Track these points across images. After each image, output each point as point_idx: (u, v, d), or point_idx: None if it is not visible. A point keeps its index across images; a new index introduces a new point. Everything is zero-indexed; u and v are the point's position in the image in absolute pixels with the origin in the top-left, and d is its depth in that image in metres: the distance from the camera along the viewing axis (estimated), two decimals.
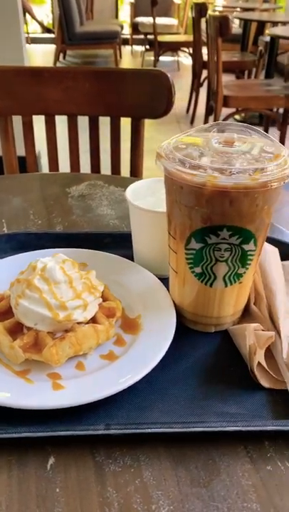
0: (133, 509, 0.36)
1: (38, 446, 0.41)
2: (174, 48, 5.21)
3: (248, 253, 0.47)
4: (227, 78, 3.51)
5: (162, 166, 0.45)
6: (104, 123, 1.18)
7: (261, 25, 4.38)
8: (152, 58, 5.28)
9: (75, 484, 0.38)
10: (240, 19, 4.34)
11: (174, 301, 0.54)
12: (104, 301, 0.52)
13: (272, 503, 0.37)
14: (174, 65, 5.63)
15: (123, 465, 0.40)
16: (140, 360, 0.46)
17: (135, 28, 5.91)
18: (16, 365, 0.46)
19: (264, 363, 0.47)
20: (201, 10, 3.07)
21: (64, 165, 1.22)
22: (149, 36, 5.30)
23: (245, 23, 4.17)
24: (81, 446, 0.41)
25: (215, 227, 0.45)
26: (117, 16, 6.51)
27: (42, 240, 0.66)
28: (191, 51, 4.22)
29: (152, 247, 0.61)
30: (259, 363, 0.47)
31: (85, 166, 1.21)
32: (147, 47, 5.53)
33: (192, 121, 3.73)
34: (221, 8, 4.45)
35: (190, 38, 3.93)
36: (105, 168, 1.22)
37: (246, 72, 3.99)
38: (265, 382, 0.46)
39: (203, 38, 3.17)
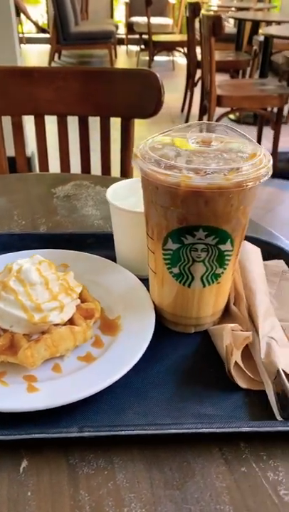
0: None
1: (11, 449, 0.40)
2: (168, 47, 5.21)
3: (225, 253, 0.47)
4: (221, 78, 3.52)
5: (138, 166, 0.45)
6: (95, 123, 1.18)
7: (256, 24, 4.38)
8: (148, 58, 5.28)
9: (47, 487, 0.38)
10: (235, 19, 4.33)
11: (154, 302, 0.54)
12: (82, 302, 0.51)
13: (246, 505, 0.37)
14: (169, 65, 5.63)
15: (96, 467, 0.39)
16: (118, 361, 0.46)
17: (130, 27, 5.91)
18: None
19: (241, 364, 0.47)
20: (195, 9, 3.07)
21: (55, 165, 1.22)
22: (144, 36, 5.29)
23: (240, 23, 4.16)
24: (55, 449, 0.41)
25: (191, 227, 0.45)
26: (112, 16, 6.50)
27: (25, 240, 0.66)
28: (186, 51, 4.22)
29: (134, 247, 0.60)
30: (237, 364, 0.47)
31: (76, 166, 1.21)
32: (142, 47, 5.53)
33: (187, 121, 3.73)
34: (215, 8, 4.45)
35: (185, 37, 3.93)
36: (96, 168, 1.21)
37: (240, 72, 3.99)
38: (242, 383, 0.46)
39: (198, 37, 3.17)
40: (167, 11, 6.07)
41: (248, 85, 3.03)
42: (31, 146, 2.13)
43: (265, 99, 2.73)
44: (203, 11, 2.74)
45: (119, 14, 6.69)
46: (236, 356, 0.46)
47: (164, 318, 0.54)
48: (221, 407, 0.44)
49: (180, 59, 5.70)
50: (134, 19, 5.81)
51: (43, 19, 6.65)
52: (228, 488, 0.38)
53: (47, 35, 6.04)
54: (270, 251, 0.65)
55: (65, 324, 0.48)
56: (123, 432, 0.40)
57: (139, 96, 1.15)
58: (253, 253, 0.60)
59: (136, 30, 5.56)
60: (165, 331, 0.54)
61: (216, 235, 0.46)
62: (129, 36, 6.15)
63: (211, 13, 3.09)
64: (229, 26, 5.18)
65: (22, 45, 6.23)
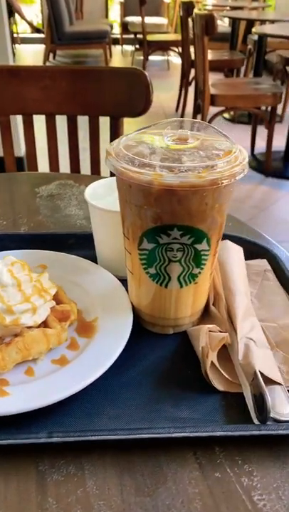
0: None
1: None
2: (163, 47, 5.19)
3: (202, 253, 0.46)
4: (216, 77, 3.51)
5: (110, 165, 0.44)
6: (84, 122, 1.17)
7: (251, 23, 4.37)
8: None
9: (14, 495, 0.37)
10: (229, 18, 4.32)
11: (132, 303, 0.53)
12: (58, 304, 0.50)
13: (218, 511, 0.36)
14: (164, 65, 5.63)
15: (66, 474, 0.38)
16: (92, 364, 0.45)
17: (125, 27, 5.90)
18: None
19: (218, 366, 0.46)
20: (188, 9, 3.06)
21: (45, 165, 1.20)
22: (138, 36, 5.28)
23: (234, 22, 4.16)
24: (24, 455, 0.40)
25: (165, 226, 0.44)
26: (107, 16, 6.49)
27: (4, 241, 0.65)
28: (180, 50, 4.21)
29: (114, 247, 0.59)
30: (214, 366, 0.46)
31: (66, 166, 1.20)
32: (137, 46, 5.52)
33: None
34: (210, 7, 4.44)
35: (179, 37, 3.92)
36: (85, 167, 1.20)
37: (235, 71, 3.98)
38: (219, 386, 0.45)
39: (192, 36, 3.15)
40: (162, 11, 6.07)
41: (241, 84, 3.02)
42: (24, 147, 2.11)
43: (259, 98, 2.72)
44: (196, 10, 2.73)
45: (114, 14, 6.68)
46: (213, 358, 0.45)
47: (142, 319, 0.53)
48: (197, 410, 0.43)
49: (175, 58, 5.69)
50: (129, 19, 5.80)
51: (37, 19, 6.64)
52: (200, 494, 0.37)
53: (42, 35, 6.03)
54: (254, 250, 0.64)
55: (39, 326, 0.47)
56: (93, 438, 0.39)
57: (128, 95, 1.14)
58: (234, 252, 0.59)
59: (130, 30, 5.55)
60: (143, 332, 0.53)
61: (192, 235, 0.44)
62: (124, 36, 6.14)
63: (204, 11, 3.07)
64: (224, 25, 5.17)
65: (17, 46, 6.22)
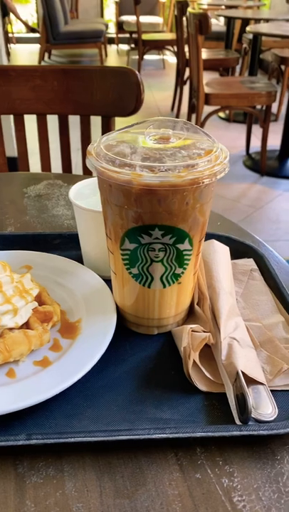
0: None
1: None
2: (158, 46, 5.19)
3: (184, 253, 0.46)
4: (211, 76, 3.51)
5: (91, 165, 0.44)
6: (76, 122, 1.16)
7: (246, 22, 4.37)
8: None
9: None
10: (224, 17, 4.32)
11: (116, 304, 0.52)
12: (40, 305, 0.50)
13: None
14: (160, 64, 5.62)
15: (45, 476, 0.38)
16: (74, 365, 0.45)
17: (120, 26, 5.89)
18: None
19: (200, 366, 0.45)
20: (183, 8, 3.06)
21: (36, 165, 1.20)
22: (134, 35, 5.27)
23: (229, 21, 4.16)
24: (3, 457, 0.39)
25: (146, 226, 0.44)
26: (102, 15, 6.48)
27: None
28: (176, 49, 4.21)
29: (99, 247, 0.59)
30: (197, 366, 0.46)
31: (58, 165, 1.19)
32: (132, 46, 5.51)
33: None
34: (205, 6, 4.43)
35: (175, 36, 3.91)
36: (77, 167, 1.20)
37: (230, 70, 3.98)
38: (202, 386, 0.45)
39: (187, 35, 3.15)
40: (157, 10, 6.06)
41: (236, 83, 3.01)
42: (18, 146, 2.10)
43: (253, 97, 2.72)
44: (189, 9, 2.73)
45: (109, 13, 6.67)
46: (194, 358, 0.45)
47: (126, 319, 0.52)
48: (179, 410, 0.43)
49: (170, 58, 5.69)
50: (125, 18, 5.79)
51: (32, 18, 6.63)
52: (180, 495, 0.37)
53: (37, 35, 6.01)
54: (241, 249, 0.64)
55: (21, 328, 0.47)
56: (72, 439, 0.39)
57: (119, 94, 1.14)
58: (219, 252, 0.59)
59: (126, 29, 5.54)
60: (128, 332, 0.52)
61: (173, 234, 0.44)
62: (120, 35, 6.14)
63: (199, 10, 3.07)
64: (219, 24, 5.18)
65: (12, 45, 6.21)
